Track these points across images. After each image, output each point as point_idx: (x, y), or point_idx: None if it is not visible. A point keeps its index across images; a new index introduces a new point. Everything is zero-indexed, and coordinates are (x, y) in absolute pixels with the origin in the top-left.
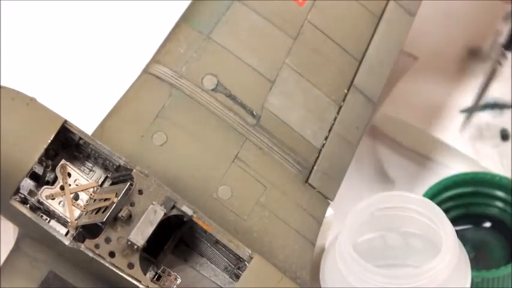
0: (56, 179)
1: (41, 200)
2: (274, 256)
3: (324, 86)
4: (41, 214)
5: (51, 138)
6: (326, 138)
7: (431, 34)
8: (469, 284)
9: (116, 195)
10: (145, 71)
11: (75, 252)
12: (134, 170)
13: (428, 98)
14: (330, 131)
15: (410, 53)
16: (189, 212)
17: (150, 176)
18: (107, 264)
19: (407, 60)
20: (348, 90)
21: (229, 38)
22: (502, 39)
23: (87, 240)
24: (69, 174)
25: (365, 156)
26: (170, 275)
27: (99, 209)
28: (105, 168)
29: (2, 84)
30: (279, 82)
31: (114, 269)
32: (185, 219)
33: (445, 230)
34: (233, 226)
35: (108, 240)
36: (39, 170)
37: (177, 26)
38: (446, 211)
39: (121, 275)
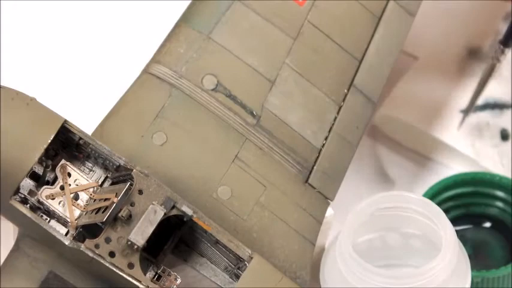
0: (56, 179)
1: (41, 200)
2: (274, 256)
3: (324, 86)
4: (41, 214)
5: (51, 138)
6: (326, 138)
7: (431, 34)
8: (469, 284)
9: (116, 195)
10: (145, 71)
11: (75, 252)
12: (134, 170)
13: (428, 98)
14: (330, 131)
15: (410, 53)
16: (189, 212)
17: (150, 176)
18: (107, 264)
19: (407, 60)
20: (348, 90)
21: (229, 38)
22: (501, 36)
23: (87, 240)
24: (69, 174)
25: (365, 156)
26: (170, 275)
27: (99, 209)
28: (105, 168)
29: (2, 84)
30: (279, 82)
31: (114, 269)
32: (185, 219)
33: (445, 230)
34: (233, 226)
35: (108, 240)
36: (39, 170)
37: (177, 26)
38: (446, 211)
39: (121, 275)
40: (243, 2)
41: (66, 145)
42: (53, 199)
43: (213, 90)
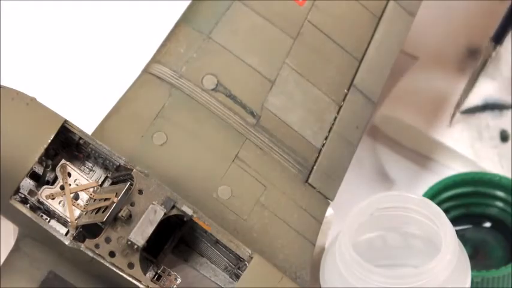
0: (56, 178)
1: (41, 199)
2: (274, 256)
3: (324, 85)
4: (41, 214)
5: (51, 138)
6: (326, 138)
7: (431, 34)
8: (469, 284)
9: (116, 195)
10: (145, 70)
11: (75, 252)
12: (134, 170)
13: (428, 98)
14: (330, 131)
15: (410, 53)
16: (189, 211)
17: (150, 176)
18: (107, 264)
19: (407, 60)
20: (348, 90)
21: (229, 38)
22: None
23: (87, 240)
24: (69, 174)
25: (365, 156)
26: (170, 275)
27: (99, 208)
28: (105, 168)
29: (2, 84)
30: (279, 82)
31: (114, 269)
32: (185, 219)
33: (445, 230)
34: (233, 226)
35: (108, 240)
36: (39, 170)
37: (177, 26)
38: (446, 211)
39: (121, 275)
40: (243, 2)
41: (66, 145)
42: (53, 199)
43: (213, 90)
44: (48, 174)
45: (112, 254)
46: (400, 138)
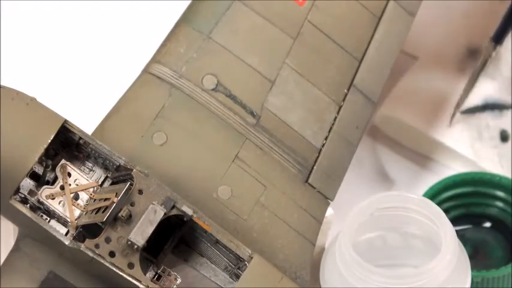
0: (56, 178)
1: (41, 199)
2: (274, 256)
3: (324, 85)
4: (41, 214)
5: (51, 138)
6: (326, 138)
7: (431, 34)
8: (469, 284)
9: (116, 195)
10: (145, 70)
11: (75, 252)
12: (134, 170)
13: (428, 98)
14: (330, 130)
15: (410, 53)
16: (189, 211)
17: (150, 176)
18: (107, 264)
19: (407, 60)
20: (348, 90)
21: (229, 38)
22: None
23: (87, 240)
24: (69, 174)
25: (365, 156)
26: (170, 275)
27: (99, 208)
28: (105, 168)
29: (2, 84)
30: (279, 82)
31: (114, 269)
32: (185, 219)
33: (445, 230)
34: (233, 226)
35: (108, 240)
36: (39, 170)
37: (177, 26)
38: (446, 211)
39: (121, 275)
40: (243, 2)
41: (66, 145)
42: (53, 199)
43: (213, 90)
44: (48, 174)
45: (112, 254)
46: (400, 138)
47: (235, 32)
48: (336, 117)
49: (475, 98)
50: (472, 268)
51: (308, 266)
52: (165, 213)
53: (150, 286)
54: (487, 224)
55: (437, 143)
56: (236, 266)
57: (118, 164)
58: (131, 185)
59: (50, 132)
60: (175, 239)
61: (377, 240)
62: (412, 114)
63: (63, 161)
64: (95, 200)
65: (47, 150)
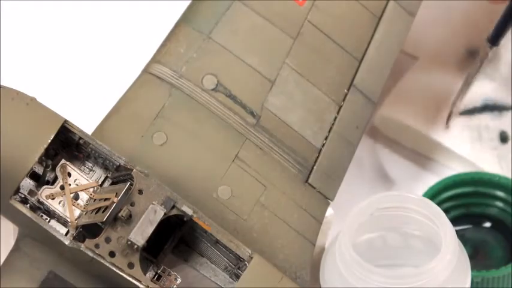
0: (56, 178)
1: (41, 199)
2: (274, 256)
3: (324, 85)
4: (41, 214)
5: (51, 138)
6: (326, 138)
7: (431, 34)
8: (469, 284)
9: (116, 195)
10: (145, 70)
11: (75, 252)
12: (134, 170)
13: (428, 99)
14: (330, 130)
15: (410, 53)
16: (189, 211)
17: (150, 176)
18: (107, 264)
19: (407, 60)
20: (348, 90)
21: (229, 38)
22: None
23: (87, 240)
24: (69, 174)
25: (365, 156)
26: (170, 275)
27: (99, 208)
28: (105, 168)
29: (2, 84)
30: (279, 82)
31: (114, 269)
32: (185, 219)
33: (445, 230)
34: (233, 226)
35: (108, 240)
36: (39, 170)
37: (177, 26)
38: (446, 211)
39: (121, 275)
40: (243, 2)
41: (66, 145)
42: (53, 199)
43: (213, 90)
44: (48, 174)
45: (112, 254)
46: (400, 139)
47: (235, 32)
48: (336, 117)
49: (475, 99)
50: (472, 268)
51: (308, 266)
52: (165, 213)
53: (150, 286)
54: (487, 224)
55: (437, 144)
56: (236, 266)
57: (118, 164)
58: (131, 185)
59: (50, 132)
60: (175, 239)
61: (377, 240)
62: (411, 115)
63: (63, 161)
64: (95, 200)
65: (47, 150)
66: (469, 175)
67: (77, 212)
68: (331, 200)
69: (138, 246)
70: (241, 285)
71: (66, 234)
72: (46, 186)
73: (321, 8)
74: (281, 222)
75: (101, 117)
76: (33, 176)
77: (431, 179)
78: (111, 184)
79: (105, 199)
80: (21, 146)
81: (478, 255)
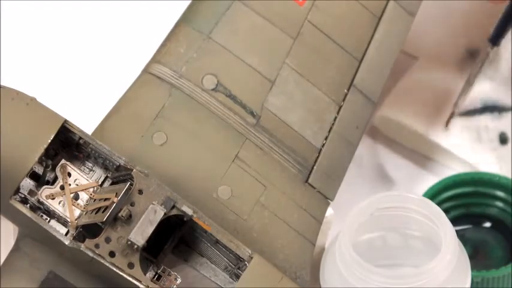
0: (56, 178)
1: (41, 199)
2: (274, 256)
3: (324, 85)
4: (41, 214)
5: (51, 138)
6: (326, 138)
7: (431, 34)
8: (469, 284)
9: (116, 195)
10: (145, 70)
11: (75, 252)
12: (134, 170)
13: (428, 99)
14: (330, 130)
15: (410, 53)
16: (189, 211)
17: (150, 176)
18: (107, 264)
19: (407, 60)
20: (348, 90)
21: (229, 38)
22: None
23: (87, 240)
24: (69, 174)
25: (365, 156)
26: (170, 275)
27: (99, 208)
28: (105, 168)
29: (2, 84)
30: (279, 82)
31: (114, 269)
32: (185, 219)
33: (445, 230)
34: (233, 226)
35: (108, 240)
36: (39, 170)
37: (177, 26)
38: (446, 211)
39: (121, 275)
40: (243, 2)
41: (66, 145)
42: (53, 199)
43: (213, 90)
44: (48, 174)
45: (112, 254)
46: (400, 140)
47: (235, 32)
48: (336, 117)
49: (474, 100)
50: (472, 268)
51: (308, 266)
52: (165, 213)
53: (150, 286)
54: (487, 224)
55: (437, 145)
56: (236, 266)
57: (118, 164)
58: (131, 185)
59: (50, 132)
60: (175, 239)
61: (377, 240)
62: (411, 115)
63: (63, 161)
64: (95, 200)
65: (47, 150)
66: (469, 175)
67: (77, 212)
68: (331, 200)
69: (138, 246)
70: (241, 285)
71: (66, 234)
72: (46, 186)
73: (321, 8)
74: (281, 222)
75: (101, 117)
76: (33, 176)
77: (431, 179)
78: (111, 184)
79: (105, 199)
80: (21, 146)
81: (478, 255)
